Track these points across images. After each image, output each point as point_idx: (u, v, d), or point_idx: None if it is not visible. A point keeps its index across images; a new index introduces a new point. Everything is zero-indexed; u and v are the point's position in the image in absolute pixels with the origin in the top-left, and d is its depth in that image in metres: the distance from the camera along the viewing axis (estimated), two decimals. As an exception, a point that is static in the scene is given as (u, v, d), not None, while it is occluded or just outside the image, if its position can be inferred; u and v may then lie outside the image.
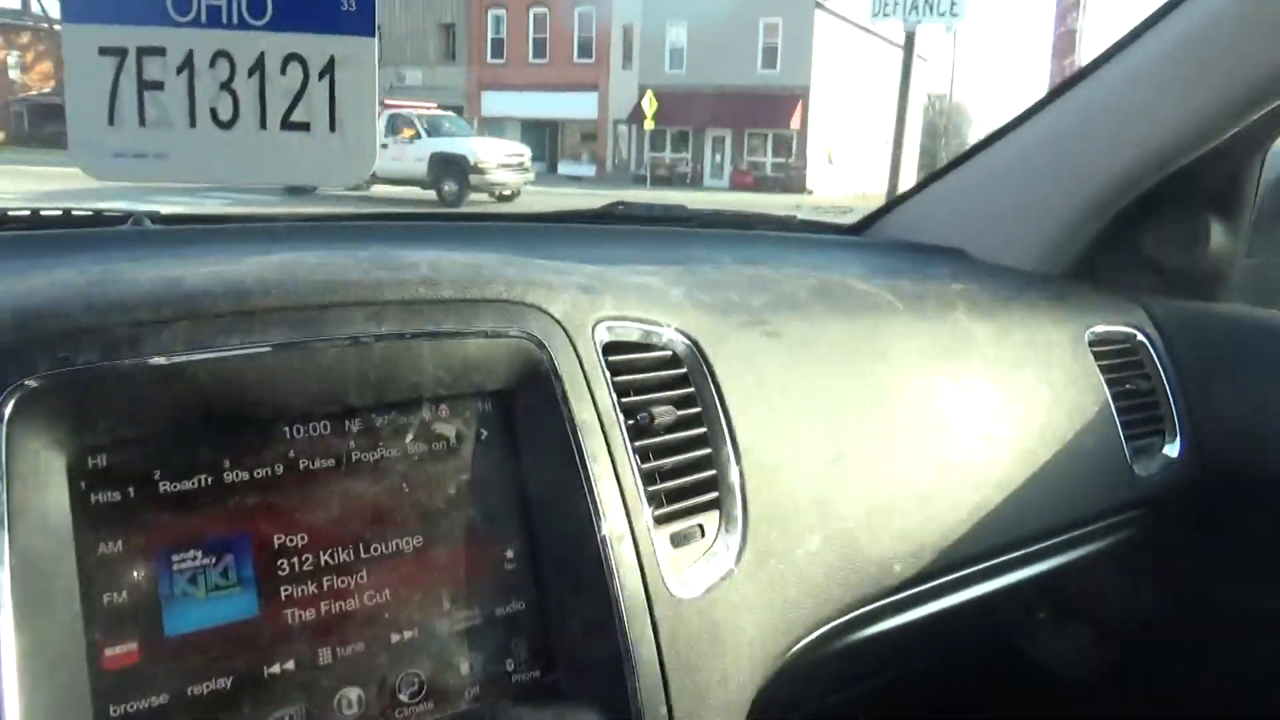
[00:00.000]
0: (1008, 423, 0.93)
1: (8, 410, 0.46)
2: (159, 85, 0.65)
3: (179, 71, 0.65)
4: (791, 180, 26.31)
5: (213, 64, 0.66)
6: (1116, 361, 1.07)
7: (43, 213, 0.85)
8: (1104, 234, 1.18)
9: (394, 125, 14.85)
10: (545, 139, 31.23)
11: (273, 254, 0.64)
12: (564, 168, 29.90)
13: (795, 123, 27.17)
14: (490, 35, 30.08)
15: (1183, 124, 1.05)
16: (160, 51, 0.65)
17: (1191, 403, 1.10)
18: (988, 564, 0.91)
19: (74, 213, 0.86)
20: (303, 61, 0.68)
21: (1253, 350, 1.12)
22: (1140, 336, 1.11)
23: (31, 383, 0.47)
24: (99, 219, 0.87)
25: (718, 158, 28.84)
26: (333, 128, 0.68)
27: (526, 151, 15.99)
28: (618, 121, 29.14)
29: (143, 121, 0.64)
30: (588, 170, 29.19)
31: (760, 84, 26.99)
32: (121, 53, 0.64)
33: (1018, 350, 0.98)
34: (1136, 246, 1.21)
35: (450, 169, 14.35)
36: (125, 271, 0.57)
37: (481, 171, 14.24)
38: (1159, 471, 1.06)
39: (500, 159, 14.77)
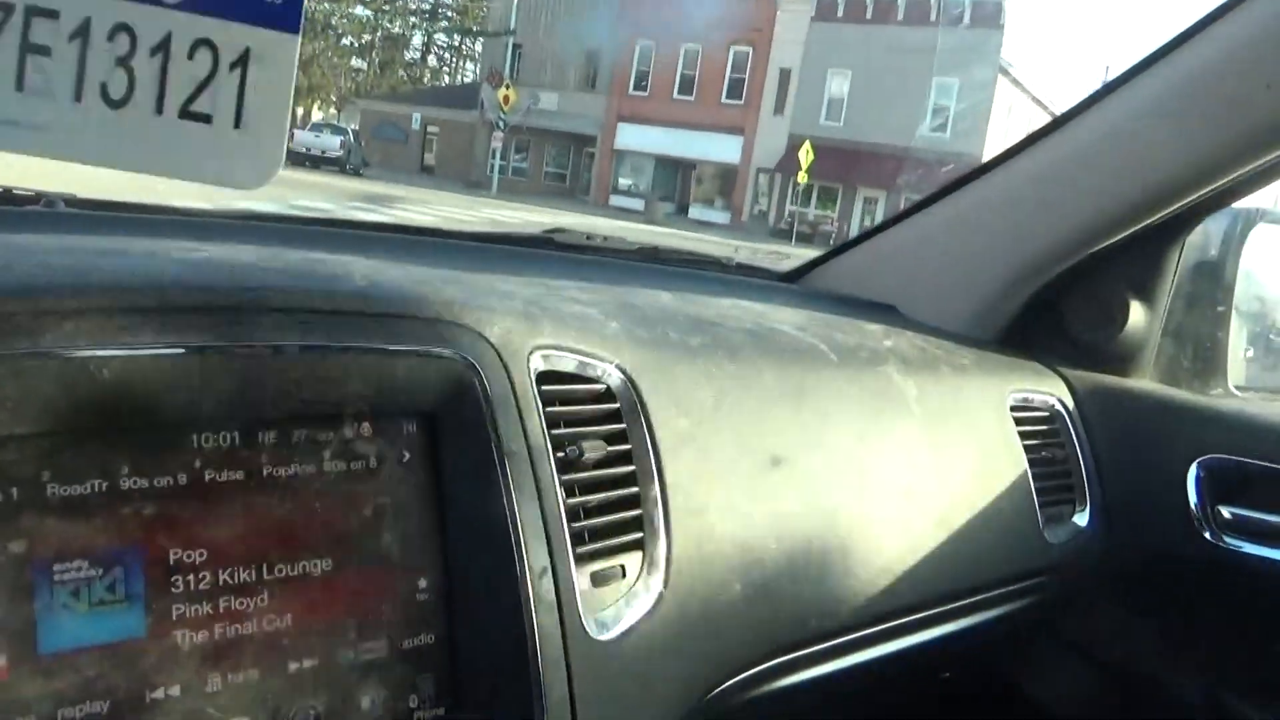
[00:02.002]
0: (929, 481, 0.99)
1: None
2: (45, 50, 0.64)
3: (71, 39, 0.64)
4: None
5: (111, 37, 0.65)
6: (1035, 429, 1.16)
7: None
8: (1030, 303, 1.29)
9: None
10: (678, 180, 31.80)
11: (198, 250, 0.64)
12: (695, 212, 30.28)
13: (959, 194, 26.68)
14: (636, 66, 31.04)
15: (1111, 204, 1.17)
16: (53, 14, 0.63)
17: (1102, 474, 1.20)
18: (902, 620, 0.97)
19: None
20: (214, 49, 0.67)
21: (1159, 428, 1.22)
22: (1058, 406, 1.21)
23: None
24: (7, 196, 0.87)
25: (867, 220, 28.54)
26: (237, 124, 0.67)
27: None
28: (761, 170, 29.38)
29: (20, 87, 0.62)
30: (721, 217, 29.45)
31: (925, 147, 26.71)
32: (7, 9, 0.62)
33: (943, 410, 1.05)
34: (1060, 318, 1.32)
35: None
36: (33, 254, 0.57)
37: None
38: (1068, 539, 1.15)
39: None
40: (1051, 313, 1.31)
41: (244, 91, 0.66)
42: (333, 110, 37.48)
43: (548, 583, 0.63)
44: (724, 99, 29.91)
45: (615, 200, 30.53)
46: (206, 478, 0.53)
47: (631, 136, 31.20)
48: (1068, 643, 1.30)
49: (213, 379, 0.54)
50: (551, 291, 0.88)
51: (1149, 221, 1.17)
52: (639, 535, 0.72)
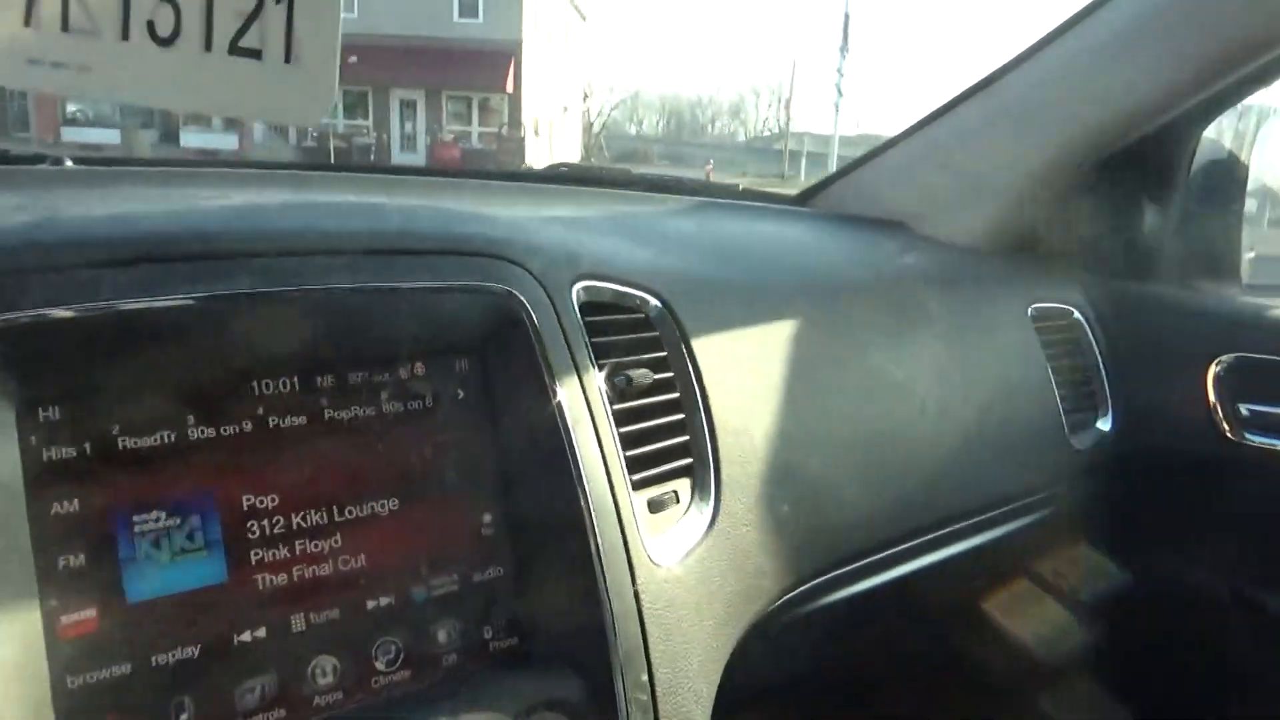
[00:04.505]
0: (959, 395, 1.08)
1: None
2: (87, -13, 0.60)
3: (112, -27, 0.60)
4: (506, 154, 24.96)
5: (155, -30, 0.60)
6: (1056, 337, 1.27)
7: None
8: (1042, 213, 1.35)
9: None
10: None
11: (225, 198, 0.70)
12: (189, 138, 25.77)
13: (509, 85, 25.92)
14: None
15: (1123, 106, 1.22)
16: (94, -50, 0.59)
17: (1123, 379, 1.32)
18: (939, 533, 1.06)
19: None
20: (257, -20, 0.64)
21: (1176, 330, 1.33)
22: (1077, 314, 1.32)
23: None
24: (8, 158, 0.91)
25: (408, 126, 26.64)
26: (288, 59, 0.63)
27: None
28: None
29: (65, 26, 0.60)
30: (226, 141, 25.35)
31: (460, 36, 25.33)
32: (47, -52, 0.58)
33: (966, 324, 1.15)
34: (1075, 225, 1.38)
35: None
36: (70, 209, 0.62)
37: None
38: (1093, 444, 1.26)
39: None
40: (1066, 220, 1.35)
41: (292, 25, 0.62)
42: None
43: (609, 512, 0.67)
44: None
45: (70, 134, 24.72)
46: (270, 424, 0.58)
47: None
48: (1096, 549, 1.38)
49: (268, 325, 0.58)
50: (579, 224, 0.96)
51: (1158, 123, 1.22)
52: (688, 461, 0.78)
